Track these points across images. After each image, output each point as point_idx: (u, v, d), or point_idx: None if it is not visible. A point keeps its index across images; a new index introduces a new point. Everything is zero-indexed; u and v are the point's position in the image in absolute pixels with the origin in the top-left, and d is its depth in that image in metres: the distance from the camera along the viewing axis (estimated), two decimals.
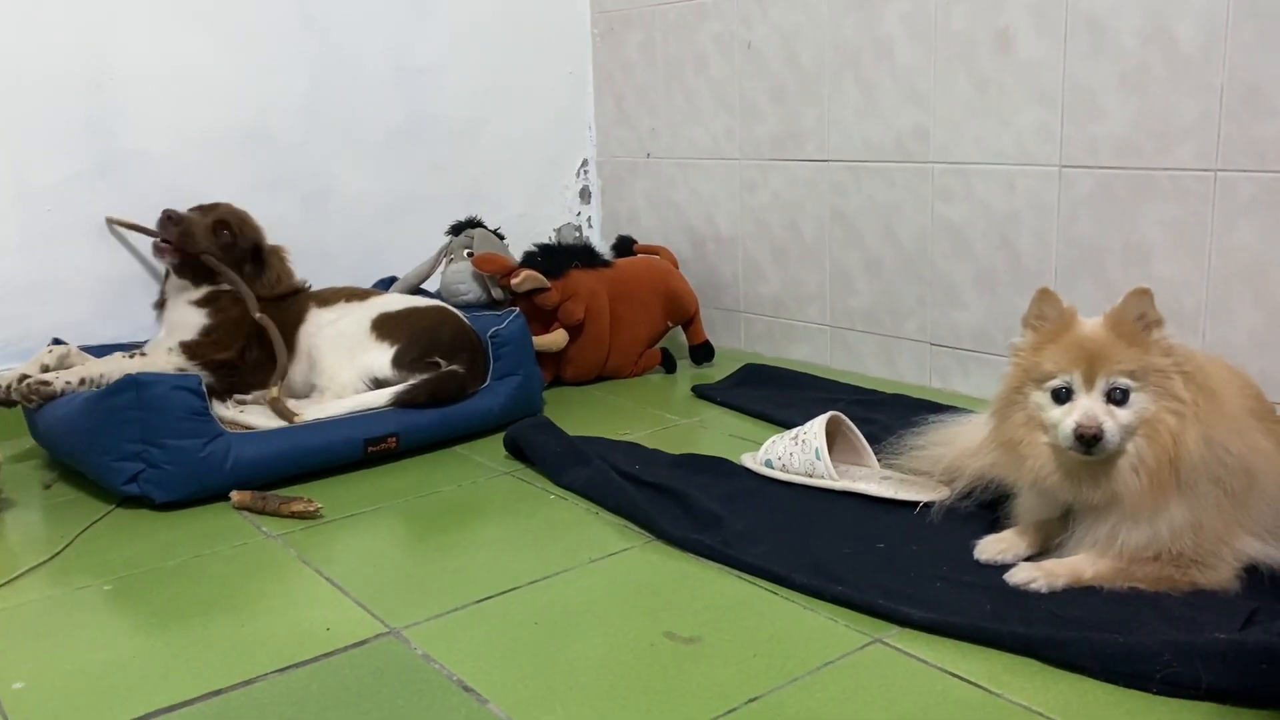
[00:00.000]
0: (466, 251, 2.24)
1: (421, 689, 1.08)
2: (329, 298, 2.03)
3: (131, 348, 1.94)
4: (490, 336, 1.96)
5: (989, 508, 1.44)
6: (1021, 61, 1.88)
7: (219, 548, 1.46)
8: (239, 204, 2.03)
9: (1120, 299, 1.20)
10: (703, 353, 2.43)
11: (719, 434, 1.91)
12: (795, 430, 1.65)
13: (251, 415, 1.82)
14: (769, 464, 1.64)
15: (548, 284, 2.16)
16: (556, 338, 2.19)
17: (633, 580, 1.32)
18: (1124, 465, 1.19)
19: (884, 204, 2.15)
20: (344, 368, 1.89)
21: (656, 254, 2.47)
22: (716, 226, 2.53)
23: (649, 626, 1.19)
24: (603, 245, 2.56)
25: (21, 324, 2.00)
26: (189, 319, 1.93)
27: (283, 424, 1.76)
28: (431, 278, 2.30)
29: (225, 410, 1.84)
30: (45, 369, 1.81)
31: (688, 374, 2.36)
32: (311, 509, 1.55)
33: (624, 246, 2.49)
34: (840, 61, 2.18)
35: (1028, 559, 1.28)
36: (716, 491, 1.56)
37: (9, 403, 1.77)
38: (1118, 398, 1.19)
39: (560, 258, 2.22)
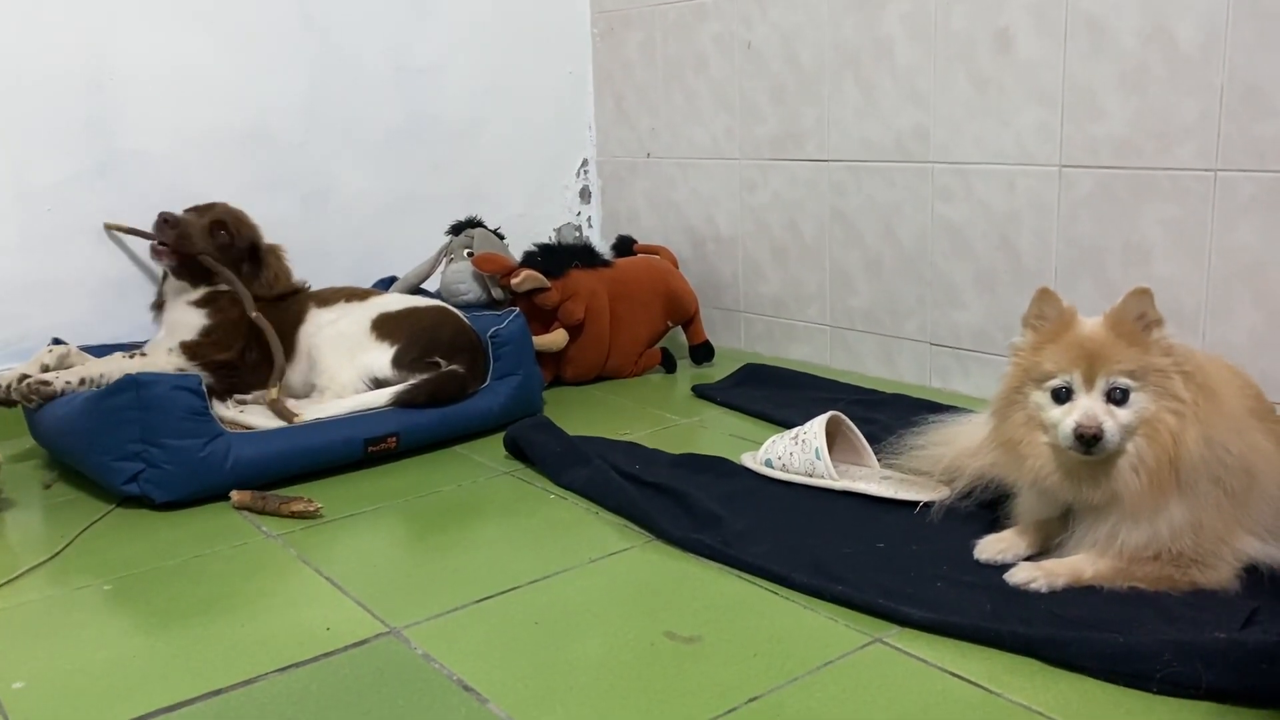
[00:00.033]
0: (466, 251, 2.24)
1: (421, 689, 1.08)
2: (329, 298, 2.03)
3: (131, 348, 1.94)
4: (490, 336, 1.96)
5: (989, 507, 1.44)
6: (1021, 61, 1.88)
7: (219, 547, 1.46)
8: (239, 204, 2.03)
9: (1120, 299, 1.20)
10: (703, 353, 2.43)
11: (719, 434, 1.91)
12: (795, 430, 1.65)
13: (251, 415, 1.82)
14: (769, 464, 1.64)
15: (548, 284, 2.16)
16: (556, 338, 2.19)
17: (633, 580, 1.32)
18: (1124, 465, 1.19)
19: (884, 204, 2.15)
20: (344, 368, 1.89)
21: (656, 254, 2.47)
22: (716, 226, 2.53)
23: (649, 626, 1.19)
24: (603, 245, 2.56)
25: (21, 324, 2.00)
26: (188, 319, 1.93)
27: (282, 424, 1.76)
28: (431, 278, 2.30)
29: (225, 410, 1.84)
30: (45, 369, 1.81)
31: (688, 374, 2.36)
32: (311, 509, 1.55)
33: (624, 246, 2.49)
34: (840, 61, 2.18)
35: (1028, 559, 1.28)
36: (716, 491, 1.56)
37: (9, 403, 1.77)
38: (1118, 397, 1.19)
39: (560, 258, 2.22)
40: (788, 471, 1.62)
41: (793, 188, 2.33)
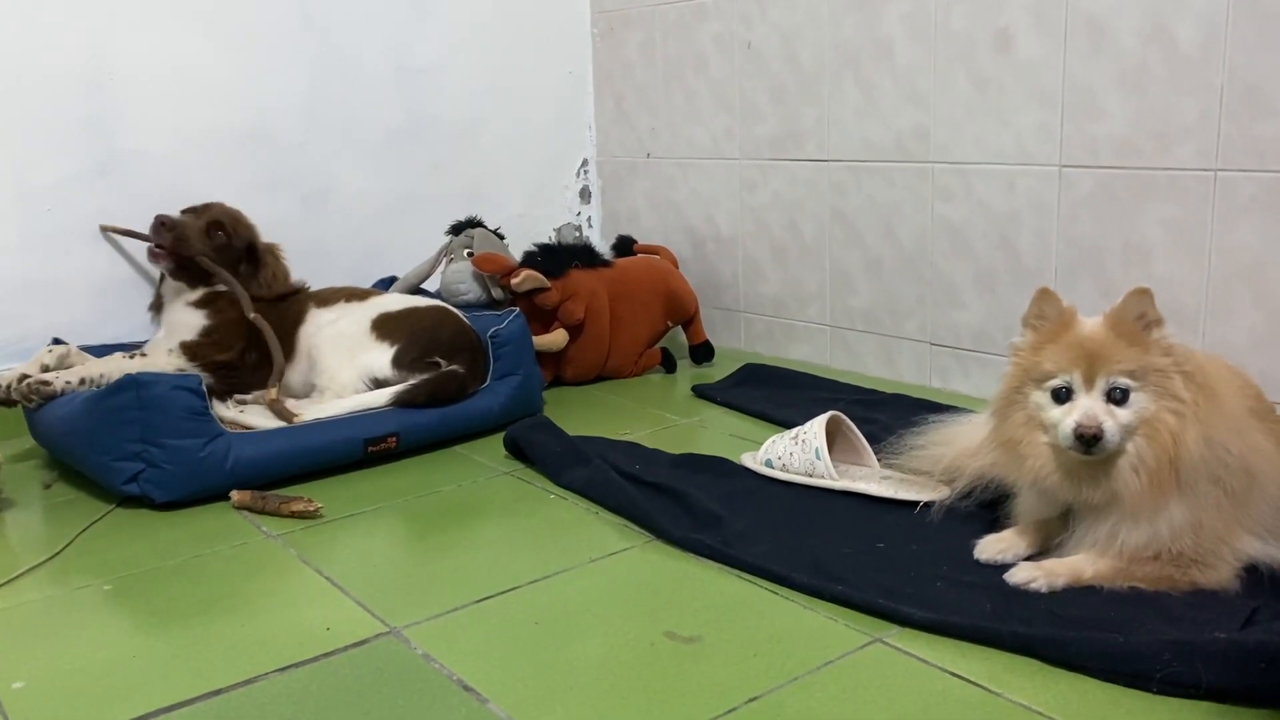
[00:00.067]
0: (466, 251, 2.24)
1: (421, 689, 1.08)
2: (329, 298, 2.03)
3: (131, 348, 1.94)
4: (490, 336, 1.96)
5: (989, 507, 1.44)
6: (1021, 61, 1.88)
7: (219, 547, 1.46)
8: (239, 204, 2.03)
9: (1120, 299, 1.20)
10: (703, 353, 2.43)
11: (719, 434, 1.91)
12: (795, 430, 1.65)
13: (251, 415, 1.82)
14: (769, 464, 1.64)
15: (548, 284, 2.16)
16: (556, 338, 2.19)
17: (633, 580, 1.32)
18: (1124, 465, 1.19)
19: (884, 204, 2.15)
20: (344, 368, 1.89)
21: (656, 254, 2.47)
22: (716, 226, 2.53)
23: (649, 626, 1.19)
24: (603, 245, 2.56)
25: (21, 324, 2.00)
26: (188, 320, 1.93)
27: (282, 424, 1.76)
28: (431, 278, 2.30)
29: (225, 410, 1.84)
30: (45, 369, 1.81)
31: (688, 374, 2.36)
32: (311, 509, 1.55)
33: (624, 246, 2.49)
34: (840, 61, 2.18)
35: (1028, 558, 1.28)
36: (716, 491, 1.56)
37: (9, 403, 1.77)
38: (1118, 397, 1.19)
39: (560, 258, 2.22)
40: (788, 471, 1.62)
41: (793, 188, 2.33)
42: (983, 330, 2.03)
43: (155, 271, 2.07)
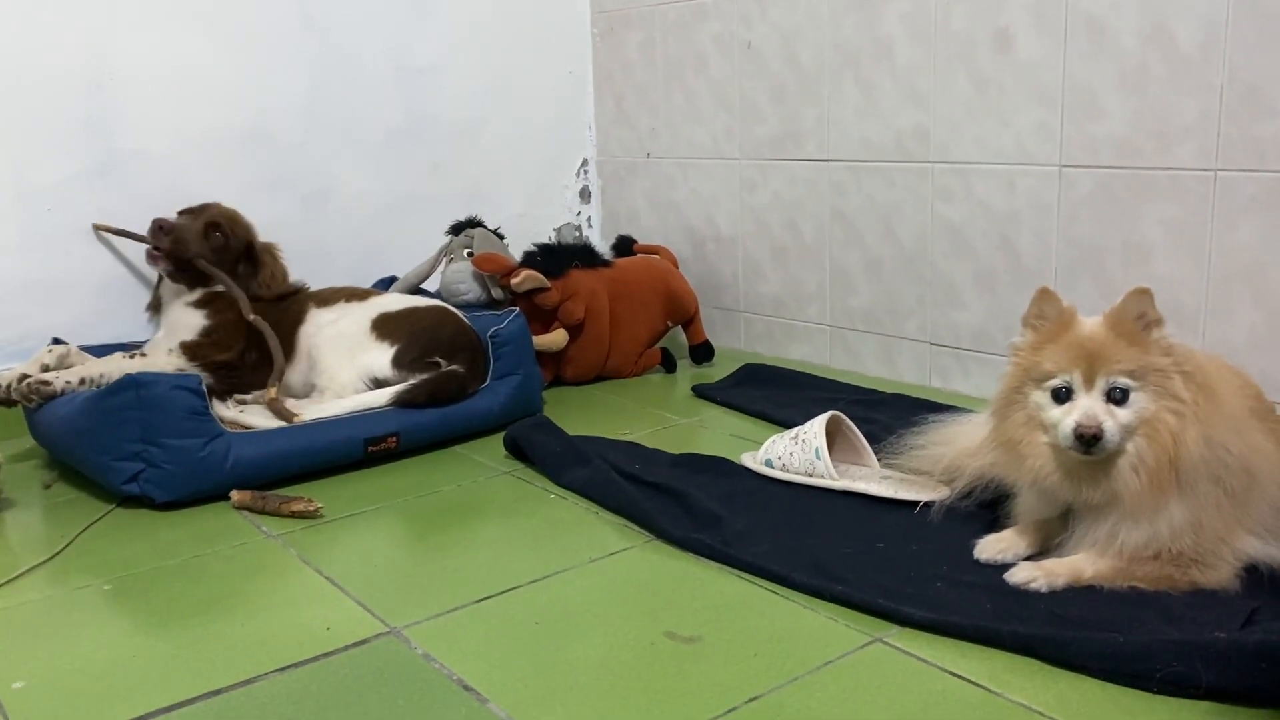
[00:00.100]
0: (466, 251, 2.24)
1: (421, 688, 1.08)
2: (329, 298, 2.03)
3: (131, 348, 1.94)
4: (490, 336, 1.96)
5: (989, 507, 1.44)
6: (1021, 61, 1.88)
7: (219, 547, 1.46)
8: (240, 204, 2.04)
9: (1120, 299, 1.20)
10: (703, 353, 2.43)
11: (719, 434, 1.91)
12: (795, 430, 1.65)
13: (251, 415, 1.82)
14: (769, 464, 1.64)
15: (548, 284, 2.16)
16: (556, 338, 2.19)
17: (633, 580, 1.32)
18: (1124, 465, 1.19)
19: (884, 204, 2.15)
20: (344, 368, 1.89)
21: (656, 254, 2.47)
22: (716, 226, 2.53)
23: (649, 626, 1.19)
24: (603, 245, 2.56)
25: (21, 324, 2.00)
26: (188, 320, 1.93)
27: (282, 424, 1.76)
28: (431, 278, 2.30)
29: (225, 410, 1.84)
30: (45, 369, 1.81)
31: (688, 374, 2.36)
32: (311, 509, 1.55)
33: (624, 246, 2.49)
34: (840, 61, 2.18)
35: (1028, 558, 1.28)
36: (716, 491, 1.56)
37: (9, 402, 1.77)
38: (1117, 397, 1.19)
39: (560, 258, 2.22)
40: (788, 471, 1.62)
41: (793, 188, 2.33)
42: (983, 330, 2.03)
43: (154, 272, 2.07)
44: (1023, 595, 1.21)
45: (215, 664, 1.14)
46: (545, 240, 2.38)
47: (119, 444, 1.57)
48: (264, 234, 2.05)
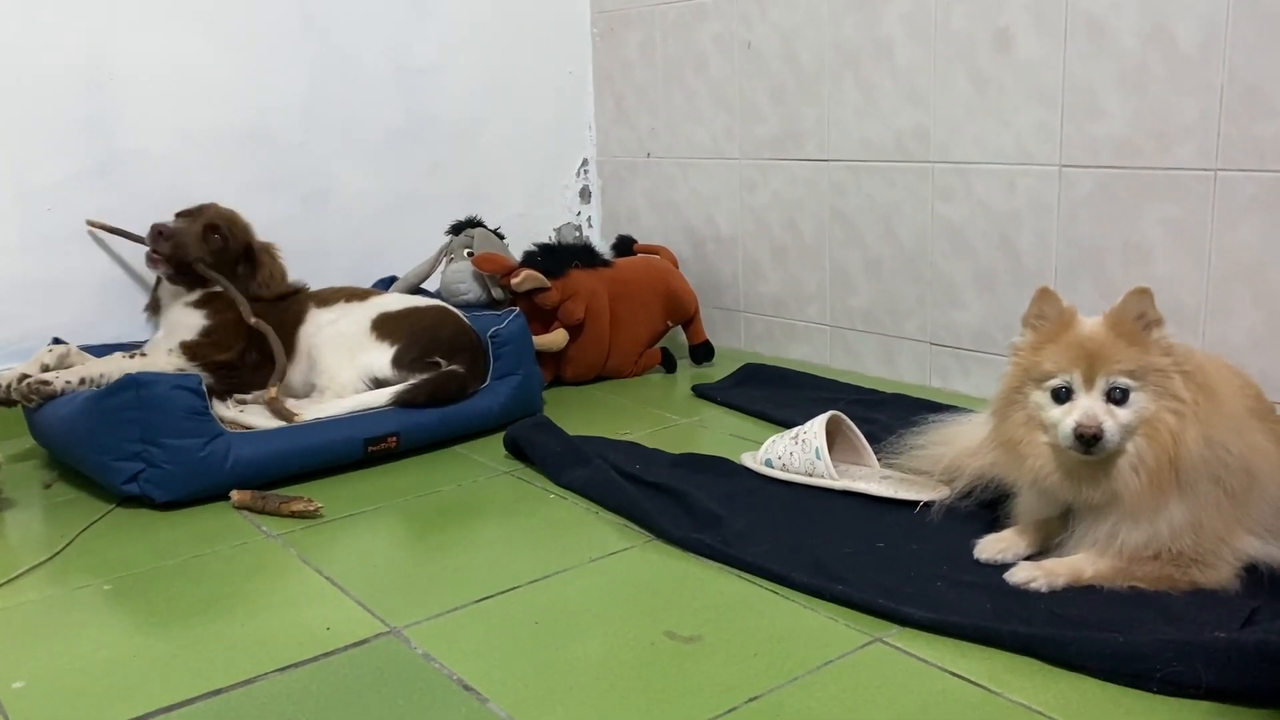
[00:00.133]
0: (466, 251, 2.24)
1: (421, 688, 1.08)
2: (329, 298, 2.03)
3: (131, 348, 1.94)
4: (490, 336, 1.96)
5: (989, 507, 1.44)
6: (1021, 61, 1.88)
7: (219, 547, 1.46)
8: (240, 204, 2.03)
9: (1120, 298, 1.20)
10: (703, 352, 2.43)
11: (719, 434, 1.91)
12: (795, 430, 1.65)
13: (251, 415, 1.82)
14: (769, 463, 1.64)
15: (548, 284, 2.16)
16: (556, 337, 2.19)
17: (633, 580, 1.32)
18: (1124, 465, 1.19)
19: (884, 204, 2.15)
20: (344, 368, 1.89)
21: (656, 254, 2.47)
22: (716, 226, 2.53)
23: (649, 626, 1.19)
24: (603, 245, 2.56)
25: (21, 324, 2.00)
26: (187, 320, 1.93)
27: (282, 424, 1.76)
28: (431, 277, 2.30)
29: (225, 410, 1.84)
30: (45, 369, 1.81)
31: (688, 374, 2.36)
32: (311, 509, 1.55)
33: (624, 246, 2.49)
34: (840, 61, 2.18)
35: (1028, 558, 1.28)
36: (716, 491, 1.56)
37: (9, 402, 1.77)
38: (1117, 397, 1.19)
39: (560, 257, 2.22)
40: (788, 471, 1.62)
41: (793, 188, 2.33)
42: (983, 330, 2.03)
43: (153, 272, 2.07)
44: (1023, 595, 1.21)
45: (215, 664, 1.14)
46: (545, 240, 2.38)
47: (119, 444, 1.57)
48: (264, 234, 2.05)
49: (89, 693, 1.09)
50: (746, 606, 1.24)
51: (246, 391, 1.92)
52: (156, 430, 1.56)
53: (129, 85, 2.07)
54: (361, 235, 2.42)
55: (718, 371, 2.33)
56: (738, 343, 2.54)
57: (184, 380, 1.60)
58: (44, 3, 1.96)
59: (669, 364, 2.38)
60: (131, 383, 1.56)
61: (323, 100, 2.32)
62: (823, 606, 1.23)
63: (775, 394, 2.10)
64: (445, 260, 2.27)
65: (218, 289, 1.95)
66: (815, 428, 1.60)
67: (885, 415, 1.83)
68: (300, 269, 2.10)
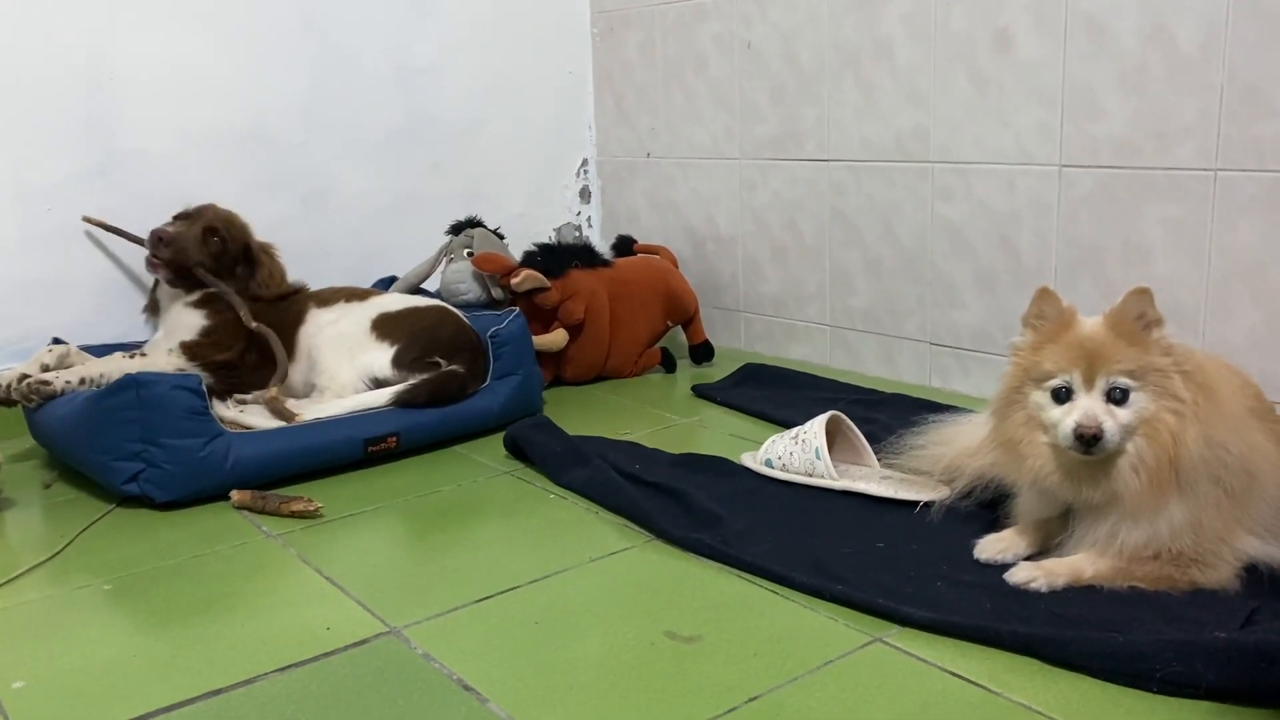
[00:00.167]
0: (466, 251, 2.24)
1: (421, 688, 1.08)
2: (329, 298, 2.03)
3: (131, 348, 1.94)
4: (490, 336, 1.96)
5: (989, 507, 1.44)
6: (1021, 61, 1.88)
7: (219, 547, 1.46)
8: (240, 204, 2.03)
9: (1120, 298, 1.20)
10: (703, 352, 2.43)
11: (719, 434, 1.91)
12: (795, 430, 1.65)
13: (251, 415, 1.82)
14: (769, 463, 1.64)
15: (548, 284, 2.16)
16: (556, 337, 2.19)
17: (633, 580, 1.32)
18: (1124, 465, 1.19)
19: (884, 204, 2.15)
20: (344, 368, 1.89)
21: (656, 254, 2.47)
22: (716, 226, 2.53)
23: (649, 626, 1.19)
24: (603, 245, 2.56)
25: (21, 324, 2.00)
26: (188, 320, 1.93)
27: (282, 424, 1.76)
28: (431, 277, 2.30)
29: (225, 410, 1.84)
30: (45, 369, 1.81)
31: (688, 374, 2.36)
32: (311, 509, 1.55)
33: (624, 246, 2.49)
34: (840, 61, 2.18)
35: (1028, 558, 1.28)
36: (716, 491, 1.56)
37: (9, 402, 1.77)
38: (1117, 397, 1.19)
39: (560, 257, 2.22)
40: (788, 471, 1.62)
41: (793, 187, 2.33)
42: (983, 330, 2.03)
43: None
44: (1023, 595, 1.21)
45: (215, 664, 1.14)
46: (545, 240, 2.38)
47: (119, 444, 1.57)
48: (264, 234, 2.05)
49: (89, 693, 1.09)
50: (746, 606, 1.24)
51: (246, 391, 1.92)
52: (156, 430, 1.56)
53: (129, 85, 2.07)
54: (361, 235, 2.42)
55: (718, 371, 2.33)
56: (738, 343, 2.54)
57: (184, 380, 1.60)
58: (44, 3, 1.96)
59: (669, 364, 2.38)
60: (131, 383, 1.56)
61: (323, 100, 2.32)
62: (823, 606, 1.23)
63: (775, 394, 2.10)
64: (445, 260, 2.27)
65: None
66: (815, 428, 1.60)
67: (885, 415, 1.83)
68: (300, 269, 2.10)
